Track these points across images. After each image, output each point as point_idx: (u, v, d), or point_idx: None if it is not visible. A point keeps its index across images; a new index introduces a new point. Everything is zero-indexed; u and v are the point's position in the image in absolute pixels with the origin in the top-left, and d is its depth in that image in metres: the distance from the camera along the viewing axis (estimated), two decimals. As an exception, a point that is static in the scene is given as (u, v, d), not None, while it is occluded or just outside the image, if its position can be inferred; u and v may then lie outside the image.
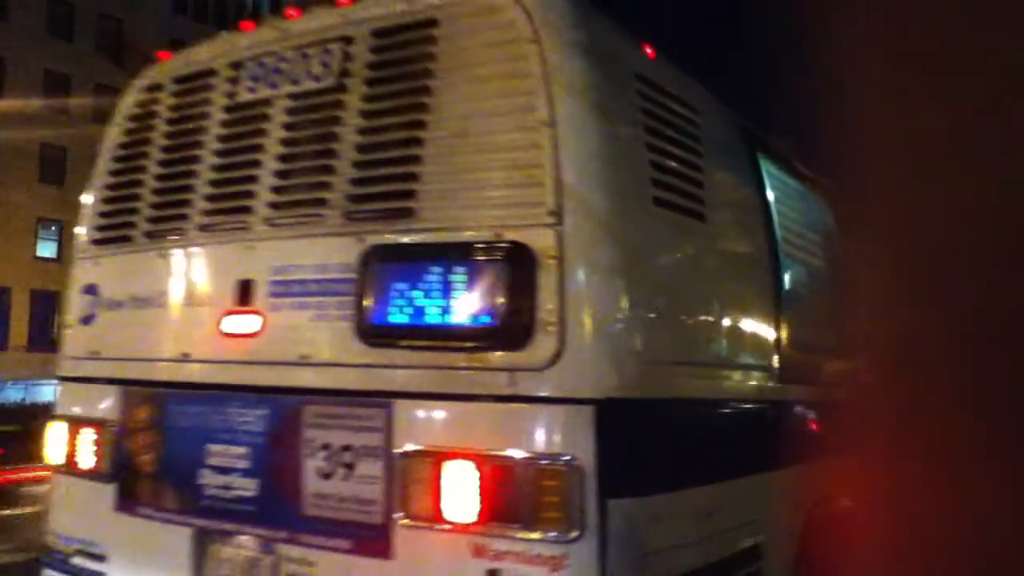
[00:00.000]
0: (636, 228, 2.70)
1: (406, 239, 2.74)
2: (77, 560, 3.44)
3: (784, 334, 3.60)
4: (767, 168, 3.84)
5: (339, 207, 2.88)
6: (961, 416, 1.07)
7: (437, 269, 2.64)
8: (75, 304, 3.66)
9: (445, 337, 2.63)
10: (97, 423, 3.44)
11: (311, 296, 2.87)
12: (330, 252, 2.86)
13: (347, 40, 3.04)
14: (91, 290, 3.59)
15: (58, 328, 39.64)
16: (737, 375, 3.34)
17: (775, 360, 3.54)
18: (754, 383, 3.44)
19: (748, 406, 3.36)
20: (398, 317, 2.70)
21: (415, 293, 2.67)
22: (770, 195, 3.78)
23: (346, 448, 2.72)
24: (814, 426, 3.87)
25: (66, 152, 39.28)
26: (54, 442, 3.62)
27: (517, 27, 2.68)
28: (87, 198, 3.80)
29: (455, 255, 2.64)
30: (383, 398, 2.68)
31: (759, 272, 3.55)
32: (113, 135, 3.74)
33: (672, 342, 2.85)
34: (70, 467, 3.53)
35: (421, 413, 2.65)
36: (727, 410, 3.23)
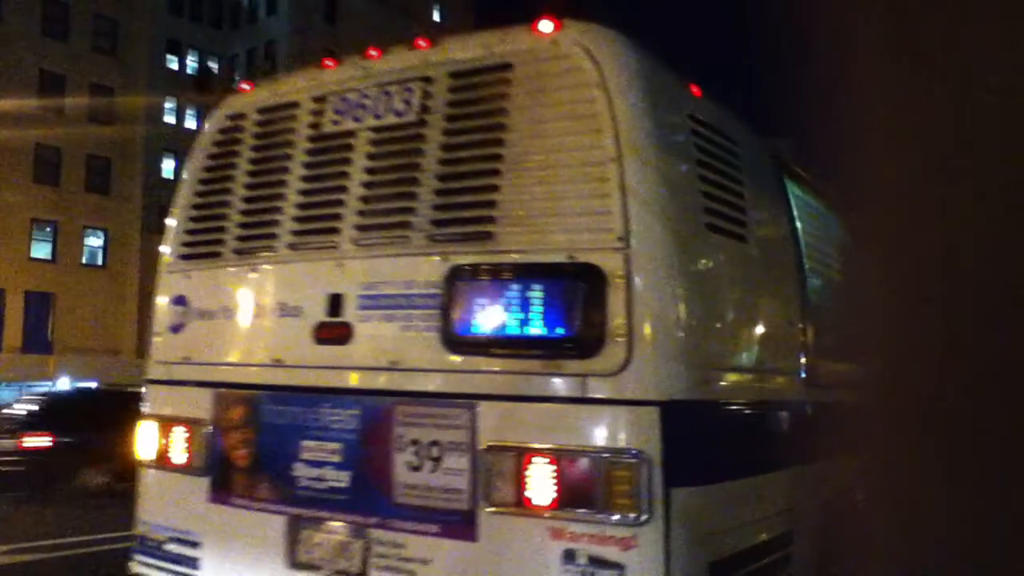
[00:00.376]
0: (692, 251, 3.10)
1: (487, 259, 3.13)
2: (170, 547, 3.82)
3: (809, 342, 4.01)
4: (792, 189, 4.25)
5: (423, 230, 3.27)
6: (963, 414, 1.15)
7: (516, 286, 3.04)
8: (164, 313, 4.03)
9: (524, 346, 3.02)
10: (189, 422, 3.82)
11: (399, 309, 3.26)
12: (416, 270, 3.25)
13: (427, 80, 3.43)
14: (180, 301, 3.96)
15: (51, 331, 39.48)
16: (772, 379, 3.76)
17: (802, 365, 3.96)
18: (785, 386, 3.86)
19: (780, 407, 3.77)
20: (481, 328, 3.09)
21: (496, 307, 3.07)
22: (795, 214, 4.19)
23: (434, 444, 3.11)
24: (834, 425, 4.27)
25: (61, 152, 39.46)
26: (145, 440, 4.00)
27: (585, 72, 3.07)
28: (172, 217, 4.17)
29: (533, 274, 3.03)
30: (468, 400, 3.07)
31: (789, 286, 3.97)
32: (198, 159, 4.11)
33: (722, 350, 3.27)
34: (162, 462, 3.91)
35: (503, 413, 3.04)
36: (765, 410, 3.64)
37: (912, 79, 1.15)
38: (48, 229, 39.70)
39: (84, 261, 41.21)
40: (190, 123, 49.60)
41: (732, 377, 3.32)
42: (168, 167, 49.11)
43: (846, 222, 4.91)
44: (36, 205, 38.54)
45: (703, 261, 3.19)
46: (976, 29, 1.10)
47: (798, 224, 4.17)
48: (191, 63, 48.50)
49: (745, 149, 3.71)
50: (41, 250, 39.67)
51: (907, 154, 1.16)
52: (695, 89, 3.50)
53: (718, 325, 3.26)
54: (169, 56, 46.98)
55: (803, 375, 3.95)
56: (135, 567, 4.00)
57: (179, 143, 49.00)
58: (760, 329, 3.67)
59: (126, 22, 41.78)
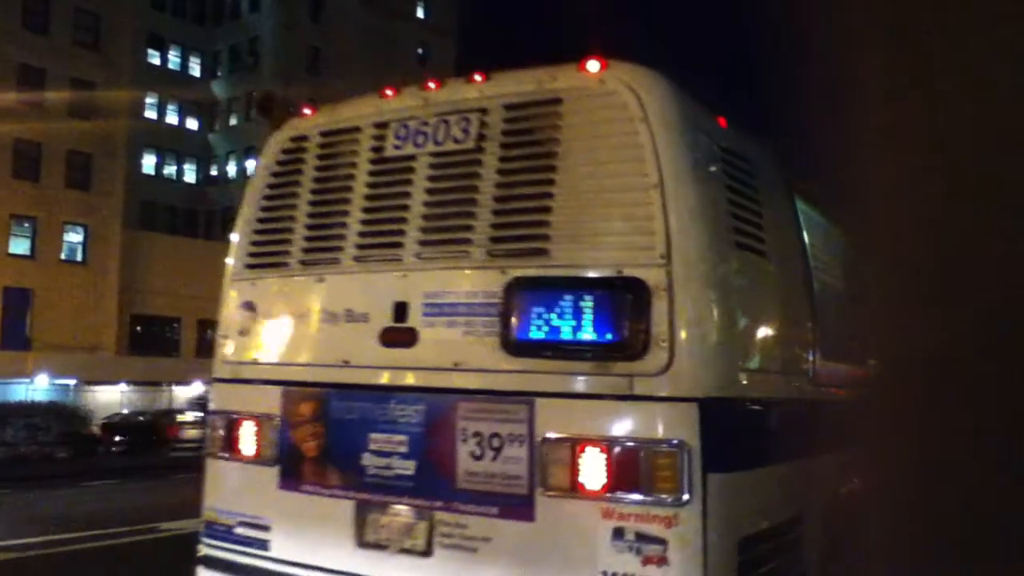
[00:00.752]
0: (723, 266, 3.56)
1: (543, 273, 3.57)
2: (240, 530, 4.23)
3: (819, 346, 4.49)
4: (800, 205, 4.73)
5: (482, 246, 3.71)
6: (955, 414, 1.18)
7: (570, 297, 3.48)
8: (232, 318, 4.44)
9: (577, 350, 3.46)
10: (258, 417, 4.23)
11: (460, 316, 3.69)
12: (477, 281, 3.68)
13: (483, 111, 3.86)
14: (249, 306, 4.37)
15: (30, 327, 39.41)
16: (788, 379, 4.23)
17: (813, 367, 4.44)
18: (799, 386, 4.33)
19: (795, 405, 4.24)
20: (537, 334, 3.53)
21: (552, 315, 3.51)
22: (803, 228, 4.67)
23: (494, 436, 3.55)
24: (839, 422, 4.77)
25: (41, 147, 39.47)
26: (212, 433, 4.41)
27: (629, 108, 3.52)
28: (236, 232, 4.57)
29: (585, 286, 3.48)
30: (526, 397, 3.51)
31: (799, 295, 4.45)
32: (261, 176, 4.52)
33: (747, 353, 3.73)
34: (230, 454, 4.32)
35: (558, 409, 3.48)
36: (783, 408, 4.11)
37: (914, 80, 1.14)
38: (27, 225, 39.66)
39: (63, 257, 41.24)
40: (171, 119, 49.76)
41: (756, 377, 3.78)
42: (149, 163, 49.17)
43: (845, 232, 5.43)
44: (15, 200, 38.53)
45: (732, 275, 3.65)
46: (980, 29, 1.09)
47: (805, 237, 4.65)
48: (173, 58, 48.62)
49: (762, 171, 4.18)
50: (20, 246, 39.66)
51: (908, 155, 1.16)
52: (722, 121, 3.95)
53: (744, 331, 3.72)
54: (151, 51, 47.09)
55: (813, 376, 4.43)
56: (203, 550, 4.40)
57: (161, 139, 49.18)
58: (778, 335, 4.15)
59: (108, 16, 41.79)
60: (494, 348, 3.60)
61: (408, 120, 4.06)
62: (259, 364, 4.32)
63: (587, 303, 3.46)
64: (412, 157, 4.00)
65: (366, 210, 4.09)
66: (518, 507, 3.48)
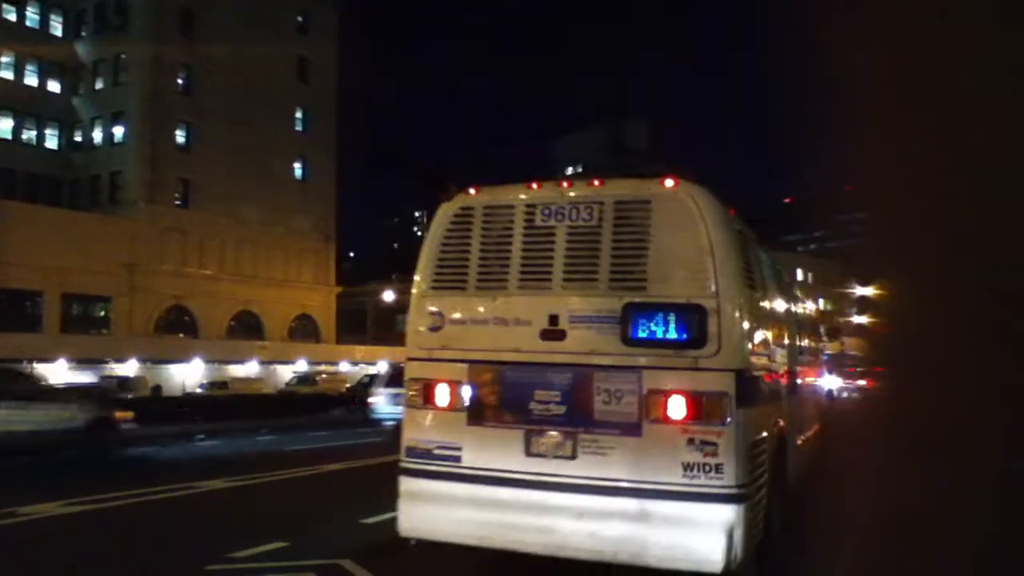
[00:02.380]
0: (743, 297, 6.84)
1: (645, 299, 6.73)
2: (437, 451, 7.22)
3: (775, 339, 7.90)
4: (759, 253, 8.10)
5: (605, 282, 6.83)
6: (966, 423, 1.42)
7: (660, 314, 6.66)
8: (424, 319, 7.39)
9: (666, 344, 6.65)
10: (451, 382, 7.21)
11: (593, 323, 6.81)
12: (603, 303, 6.80)
13: (600, 203, 6.97)
14: (436, 314, 7.33)
15: None
16: (766, 359, 7.60)
17: (774, 351, 7.84)
18: (768, 362, 7.72)
19: (767, 372, 7.62)
20: (643, 334, 6.70)
21: (651, 324, 6.68)
22: (763, 268, 8.05)
23: (618, 390, 6.69)
24: (782, 384, 8.24)
25: None
26: (411, 392, 7.36)
27: (692, 212, 6.72)
28: (420, 266, 7.50)
29: (669, 308, 6.66)
30: (637, 370, 6.67)
31: (767, 310, 7.82)
32: (439, 228, 7.47)
33: (757, 345, 7.05)
34: (427, 405, 7.28)
35: (656, 375, 6.65)
36: (766, 375, 7.47)
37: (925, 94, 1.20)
38: None
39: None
40: (31, 80, 49.03)
41: (756, 358, 7.12)
42: (6, 126, 48.29)
43: (775, 265, 8.96)
44: None
45: (746, 302, 6.93)
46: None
47: (765, 273, 8.03)
48: (31, 15, 48.02)
49: (749, 238, 7.50)
50: None
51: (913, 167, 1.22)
52: (732, 211, 7.21)
53: (751, 333, 7.04)
54: (6, 6, 46.46)
55: (773, 356, 7.85)
56: (405, 464, 7.36)
57: (19, 101, 48.39)
58: (762, 334, 7.51)
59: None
60: (616, 342, 6.75)
61: (550, 204, 7.12)
62: (448, 348, 7.29)
63: (671, 317, 6.66)
64: (554, 228, 7.07)
65: (524, 258, 7.13)
66: (632, 429, 6.65)
